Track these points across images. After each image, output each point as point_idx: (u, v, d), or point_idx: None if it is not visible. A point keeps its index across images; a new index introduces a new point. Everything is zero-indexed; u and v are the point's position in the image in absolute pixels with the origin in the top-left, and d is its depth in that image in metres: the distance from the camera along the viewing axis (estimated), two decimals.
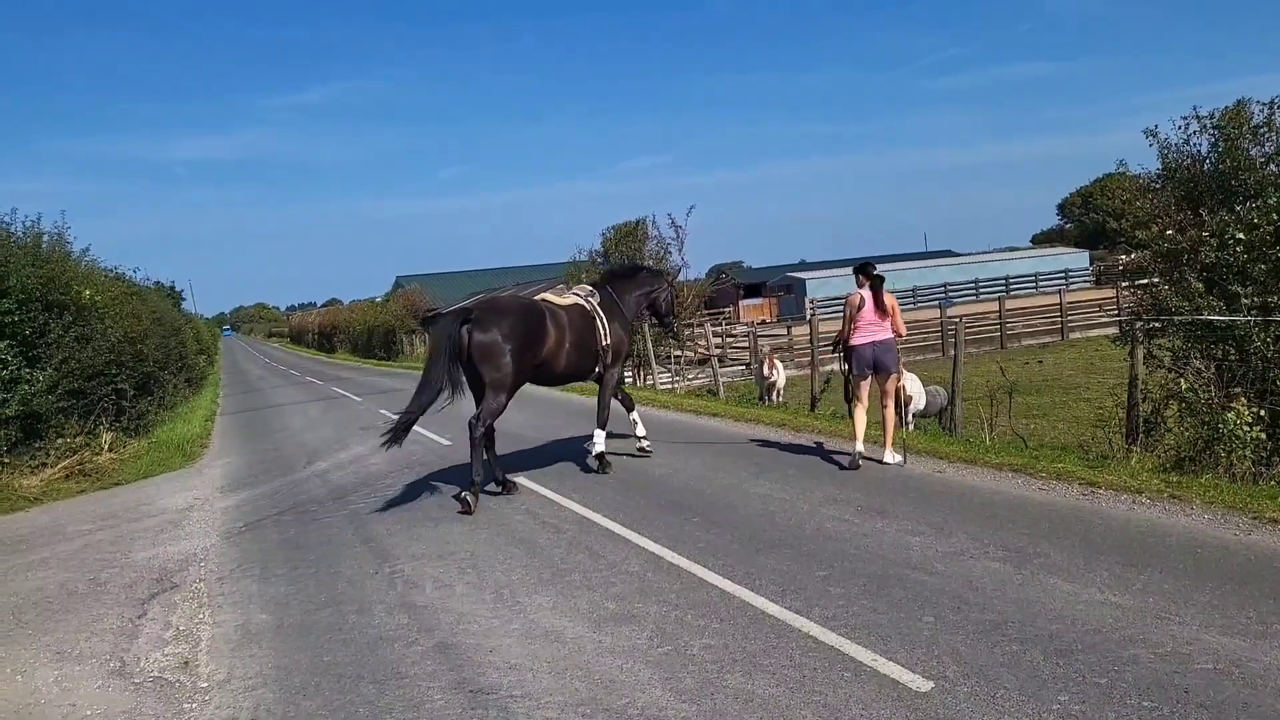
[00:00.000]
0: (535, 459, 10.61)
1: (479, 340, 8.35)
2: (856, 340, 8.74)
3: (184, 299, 41.63)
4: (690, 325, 23.87)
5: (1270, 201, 8.05)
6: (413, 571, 6.61)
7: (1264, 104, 8.65)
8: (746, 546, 6.46)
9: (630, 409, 10.30)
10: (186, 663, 5.28)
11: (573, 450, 9.59)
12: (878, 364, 8.71)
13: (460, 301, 8.95)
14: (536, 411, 14.49)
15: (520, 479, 9.35)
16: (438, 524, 8.00)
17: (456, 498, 8.61)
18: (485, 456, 8.62)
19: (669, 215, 21.62)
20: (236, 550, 7.83)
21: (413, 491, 9.57)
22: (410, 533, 7.77)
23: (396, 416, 8.54)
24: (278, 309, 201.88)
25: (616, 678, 4.48)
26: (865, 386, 8.85)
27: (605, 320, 9.51)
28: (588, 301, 9.56)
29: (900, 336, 8.88)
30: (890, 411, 8.90)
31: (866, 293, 8.70)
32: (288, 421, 19.00)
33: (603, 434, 9.71)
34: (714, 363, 18.71)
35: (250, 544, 8.01)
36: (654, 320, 10.82)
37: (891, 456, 8.85)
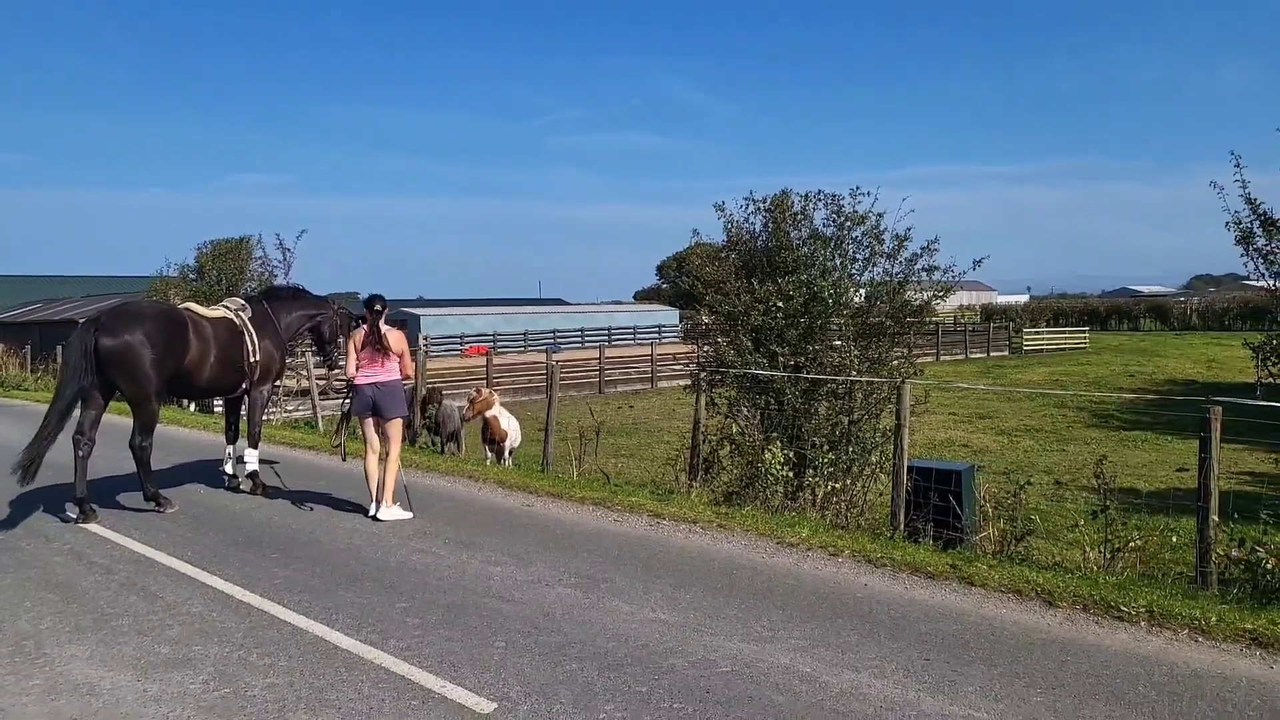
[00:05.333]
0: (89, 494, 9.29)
1: (109, 346, 7.71)
2: (359, 380, 8.19)
3: None
4: (293, 354, 22.59)
5: (802, 278, 9.69)
6: None
7: (802, 195, 10.35)
8: (327, 581, 6.25)
9: (233, 441, 9.75)
10: None
11: (135, 483, 8.56)
12: (376, 407, 8.19)
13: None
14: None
15: (60, 520, 8.16)
16: None
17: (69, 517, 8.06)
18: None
19: (277, 236, 20.40)
20: None
21: None
22: None
23: (24, 450, 7.71)
24: None
25: None
26: (369, 429, 8.29)
27: (256, 337, 9.01)
28: (238, 316, 9.04)
29: (407, 379, 8.11)
30: (391, 461, 8.19)
31: (367, 328, 8.23)
32: None
33: (255, 453, 9.35)
34: (314, 395, 17.85)
35: None
36: (315, 348, 10.55)
37: (389, 513, 8.12)
